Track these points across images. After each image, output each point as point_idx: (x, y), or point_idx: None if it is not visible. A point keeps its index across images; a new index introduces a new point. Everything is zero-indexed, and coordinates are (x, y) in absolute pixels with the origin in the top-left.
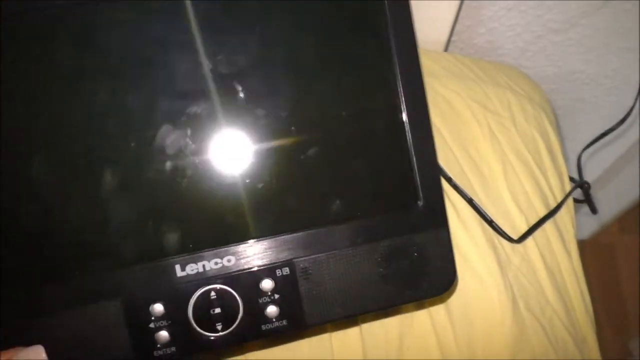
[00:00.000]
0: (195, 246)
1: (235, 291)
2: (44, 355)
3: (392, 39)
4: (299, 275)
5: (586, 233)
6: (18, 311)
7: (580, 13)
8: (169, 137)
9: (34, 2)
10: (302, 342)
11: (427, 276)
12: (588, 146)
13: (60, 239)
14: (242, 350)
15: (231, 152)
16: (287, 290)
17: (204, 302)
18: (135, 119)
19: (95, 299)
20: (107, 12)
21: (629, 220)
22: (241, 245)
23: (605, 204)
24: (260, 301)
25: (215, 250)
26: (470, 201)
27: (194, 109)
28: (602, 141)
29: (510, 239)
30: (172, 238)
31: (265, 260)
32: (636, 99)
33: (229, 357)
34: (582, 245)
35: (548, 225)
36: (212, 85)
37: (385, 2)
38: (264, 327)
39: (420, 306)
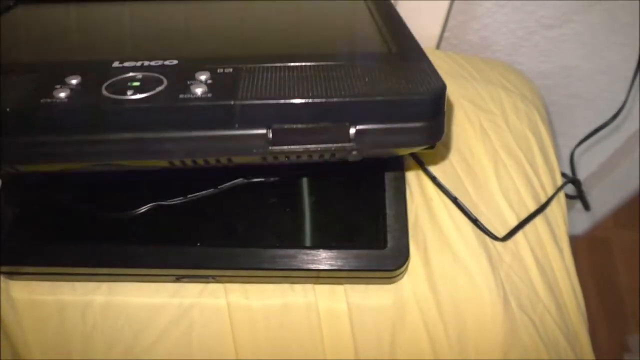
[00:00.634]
0: (140, 49)
1: (164, 76)
2: None
3: None
4: (243, 74)
5: (582, 228)
6: None
7: (574, 9)
8: None
9: None
10: (292, 340)
11: (405, 80)
12: (581, 142)
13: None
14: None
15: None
16: (222, 80)
17: (125, 80)
18: None
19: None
20: None
21: (625, 215)
22: (189, 52)
23: (600, 199)
24: (189, 83)
25: (162, 53)
26: (454, 200)
27: None
28: (597, 136)
29: (495, 238)
30: (119, 41)
31: (211, 63)
32: (628, 93)
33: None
34: (578, 240)
35: (539, 222)
36: None
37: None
38: (181, 96)
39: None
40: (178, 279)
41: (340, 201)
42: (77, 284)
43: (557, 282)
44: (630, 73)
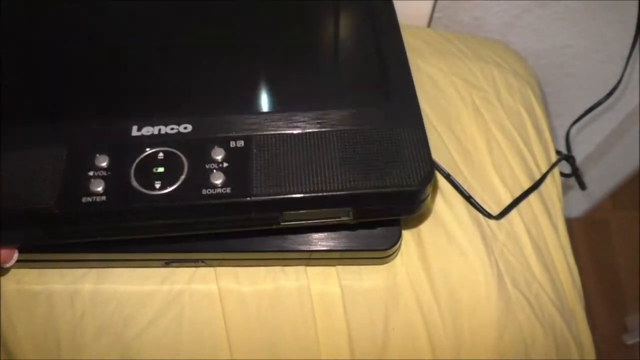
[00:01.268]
0: (155, 109)
1: (184, 155)
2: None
3: None
4: (254, 149)
5: (580, 210)
6: None
7: None
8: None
9: None
10: (285, 325)
11: (396, 166)
12: (577, 120)
13: (27, 82)
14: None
15: (205, 28)
16: (238, 161)
17: (150, 161)
18: None
19: (47, 144)
20: None
21: (623, 196)
22: (201, 117)
23: (598, 180)
24: (207, 167)
25: (174, 117)
26: (447, 176)
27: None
28: (593, 115)
29: (489, 215)
30: (135, 100)
31: (222, 132)
32: (624, 71)
33: (170, 232)
34: (576, 222)
35: (534, 200)
36: None
37: None
38: (204, 192)
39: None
40: (167, 263)
41: None
42: (65, 272)
43: (553, 260)
44: (626, 51)
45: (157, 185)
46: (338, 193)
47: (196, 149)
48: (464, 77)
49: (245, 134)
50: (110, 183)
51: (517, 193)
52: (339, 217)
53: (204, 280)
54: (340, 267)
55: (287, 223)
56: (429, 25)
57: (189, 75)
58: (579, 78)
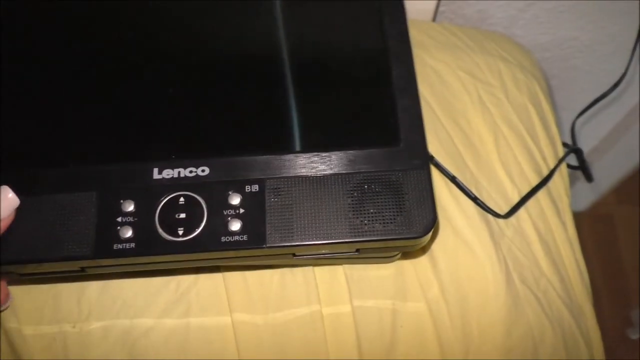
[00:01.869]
0: (174, 153)
1: (203, 200)
2: (11, 194)
3: None
4: (268, 194)
5: (584, 205)
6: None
7: None
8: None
9: None
10: (292, 321)
11: (402, 215)
12: (582, 113)
13: (55, 129)
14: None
15: (220, 68)
16: (253, 207)
17: (172, 206)
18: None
19: (75, 188)
20: None
21: (628, 189)
22: (217, 159)
23: (602, 174)
24: (225, 213)
25: (192, 160)
26: (452, 179)
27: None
28: (598, 108)
29: (496, 215)
30: (156, 142)
31: (237, 176)
32: (629, 64)
33: (187, 265)
34: (580, 217)
35: (542, 195)
36: None
37: None
38: (223, 239)
39: (405, 255)
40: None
41: None
42: None
43: (561, 255)
44: (631, 43)
45: (180, 232)
46: (345, 241)
47: (214, 193)
48: (470, 71)
49: (259, 176)
50: (137, 229)
51: (525, 188)
52: (345, 252)
53: (211, 277)
54: (347, 265)
55: (298, 258)
56: (434, 19)
57: (204, 115)
58: (583, 71)
